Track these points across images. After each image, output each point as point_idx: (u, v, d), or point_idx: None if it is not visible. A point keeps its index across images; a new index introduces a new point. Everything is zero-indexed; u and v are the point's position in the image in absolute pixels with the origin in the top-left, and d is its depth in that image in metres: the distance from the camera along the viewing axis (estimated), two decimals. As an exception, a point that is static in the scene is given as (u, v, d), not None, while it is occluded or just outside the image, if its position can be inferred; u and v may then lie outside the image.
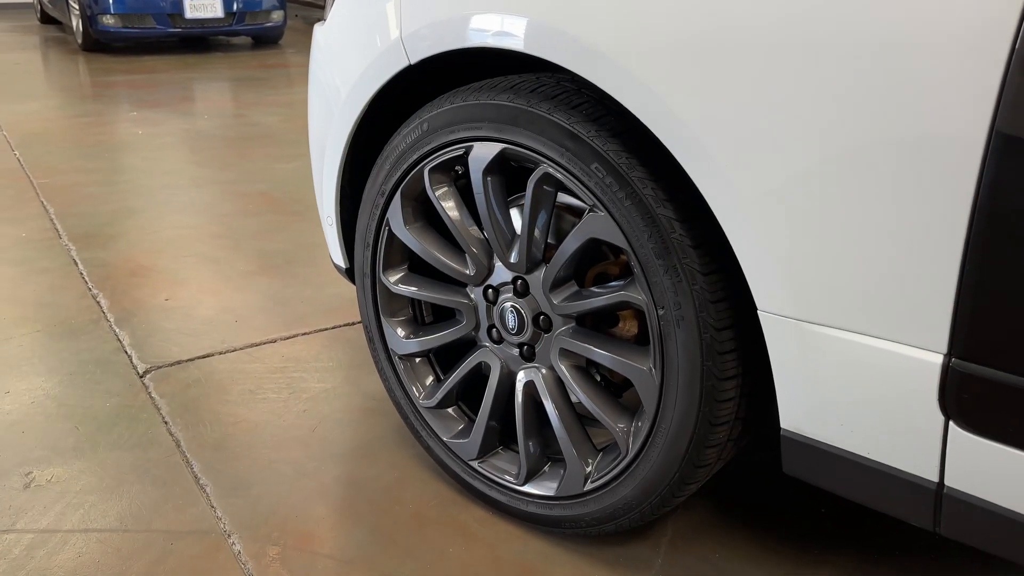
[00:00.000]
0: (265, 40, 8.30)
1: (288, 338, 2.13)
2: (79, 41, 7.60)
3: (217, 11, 7.47)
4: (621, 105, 1.09)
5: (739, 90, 0.95)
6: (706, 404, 1.13)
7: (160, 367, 1.97)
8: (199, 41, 8.28)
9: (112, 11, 7.18)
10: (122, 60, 7.09)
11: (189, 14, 7.38)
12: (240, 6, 7.62)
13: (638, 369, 1.19)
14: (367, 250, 1.49)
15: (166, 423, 1.74)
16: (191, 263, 2.62)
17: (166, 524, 1.44)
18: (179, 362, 1.99)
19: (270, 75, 6.52)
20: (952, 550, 1.37)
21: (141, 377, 1.92)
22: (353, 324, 2.20)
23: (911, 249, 0.90)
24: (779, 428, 1.10)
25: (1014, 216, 0.82)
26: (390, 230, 1.44)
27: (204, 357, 2.02)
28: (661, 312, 1.13)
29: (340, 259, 1.65)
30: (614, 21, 1.04)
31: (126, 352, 2.04)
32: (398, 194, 1.40)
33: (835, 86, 0.89)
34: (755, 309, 1.04)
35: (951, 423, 0.94)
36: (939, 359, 0.92)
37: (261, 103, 5.35)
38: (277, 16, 8.01)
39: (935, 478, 0.99)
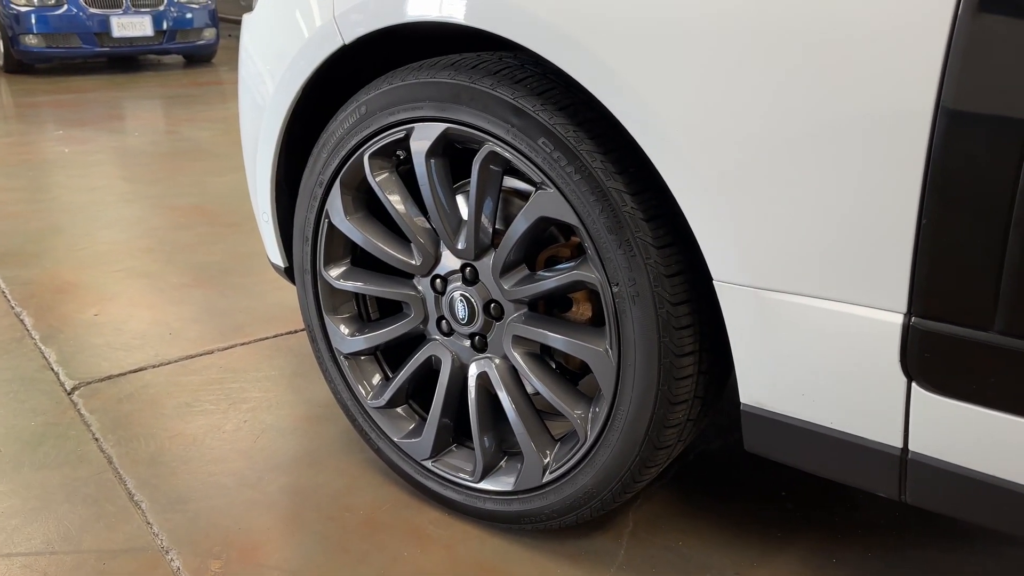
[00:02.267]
0: (197, 59, 8.13)
1: (226, 349, 2.04)
2: (0, 63, 7.32)
3: (146, 29, 7.29)
4: (567, 78, 1.06)
5: (696, 66, 0.93)
6: (664, 382, 1.10)
7: (89, 383, 1.86)
8: (128, 60, 8.07)
9: (35, 31, 6.95)
10: (47, 81, 6.85)
11: (117, 32, 7.18)
12: (170, 24, 7.45)
13: (594, 351, 1.15)
14: (306, 245, 1.43)
15: (96, 440, 1.63)
16: (121, 278, 2.50)
17: (98, 543, 1.34)
18: (110, 377, 1.88)
19: (203, 92, 6.37)
20: (915, 527, 1.36)
21: (69, 394, 1.81)
22: (295, 332, 2.12)
23: (866, 209, 0.88)
24: (739, 404, 1.08)
25: (966, 172, 0.81)
26: (330, 222, 1.38)
27: (136, 371, 1.91)
28: (616, 289, 1.09)
29: (278, 258, 1.58)
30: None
31: (52, 369, 1.92)
32: (337, 183, 1.34)
33: (790, 59, 0.87)
34: (710, 280, 1.02)
35: (914, 384, 0.92)
36: (899, 319, 0.90)
37: (194, 119, 5.21)
38: (209, 34, 7.86)
39: (899, 444, 0.97)
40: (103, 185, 3.60)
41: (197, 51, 7.92)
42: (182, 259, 2.66)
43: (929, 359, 0.90)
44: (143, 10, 7.27)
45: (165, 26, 7.42)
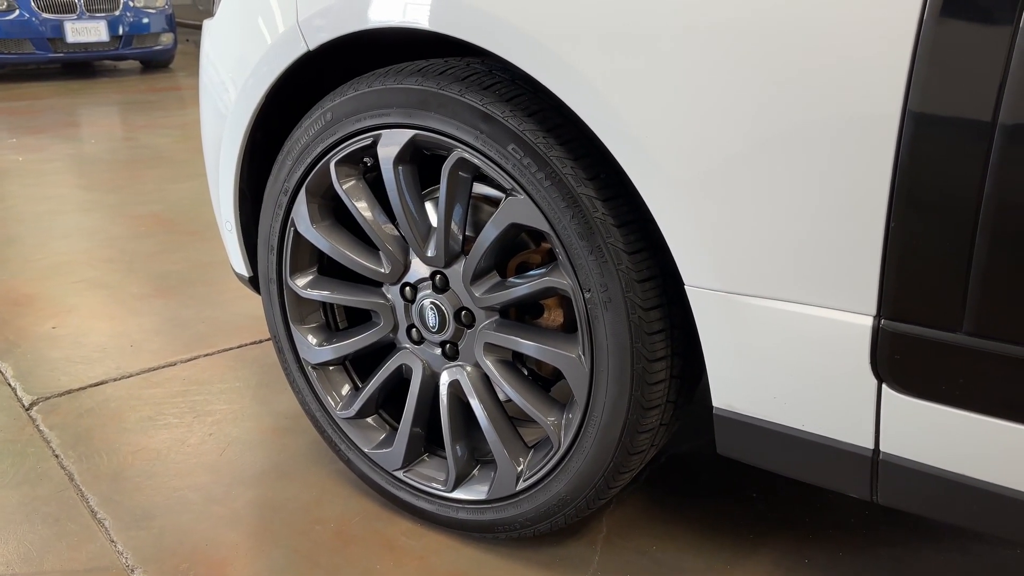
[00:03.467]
0: (155, 64, 8.00)
1: (189, 360, 2.00)
2: (-51, 69, 7.14)
3: (102, 35, 7.15)
4: (536, 83, 1.06)
5: (666, 72, 0.93)
6: (637, 387, 1.09)
7: (48, 398, 1.81)
8: (84, 66, 7.91)
9: (-15, 37, 6.78)
10: (-2, 88, 6.69)
11: (71, 38, 7.03)
12: (126, 29, 7.32)
13: (567, 357, 1.15)
14: (272, 254, 1.40)
15: (57, 456, 1.59)
16: (80, 289, 2.44)
17: (60, 564, 1.30)
18: (69, 391, 1.83)
19: (161, 98, 6.27)
20: (885, 527, 1.38)
21: (27, 409, 1.76)
22: (260, 342, 2.09)
23: (835, 213, 0.89)
24: (710, 408, 1.08)
25: (933, 175, 0.82)
26: (296, 230, 1.35)
27: (97, 385, 1.87)
28: (588, 295, 1.09)
29: (242, 267, 1.55)
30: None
31: (9, 384, 1.87)
32: (303, 191, 1.32)
33: (759, 65, 0.88)
34: (682, 285, 1.02)
35: (884, 386, 0.93)
36: (869, 321, 0.91)
37: (152, 125, 5.13)
38: (167, 39, 7.74)
39: (870, 445, 0.98)
40: (60, 194, 3.52)
41: (154, 56, 7.79)
42: (143, 269, 2.60)
43: (899, 361, 0.91)
44: (98, 15, 7.13)
45: (121, 31, 7.28)
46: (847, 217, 0.88)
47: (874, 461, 0.98)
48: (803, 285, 0.94)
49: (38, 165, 4.05)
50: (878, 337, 0.91)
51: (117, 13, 7.26)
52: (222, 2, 1.43)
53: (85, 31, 7.06)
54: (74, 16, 7.03)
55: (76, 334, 2.13)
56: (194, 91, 6.60)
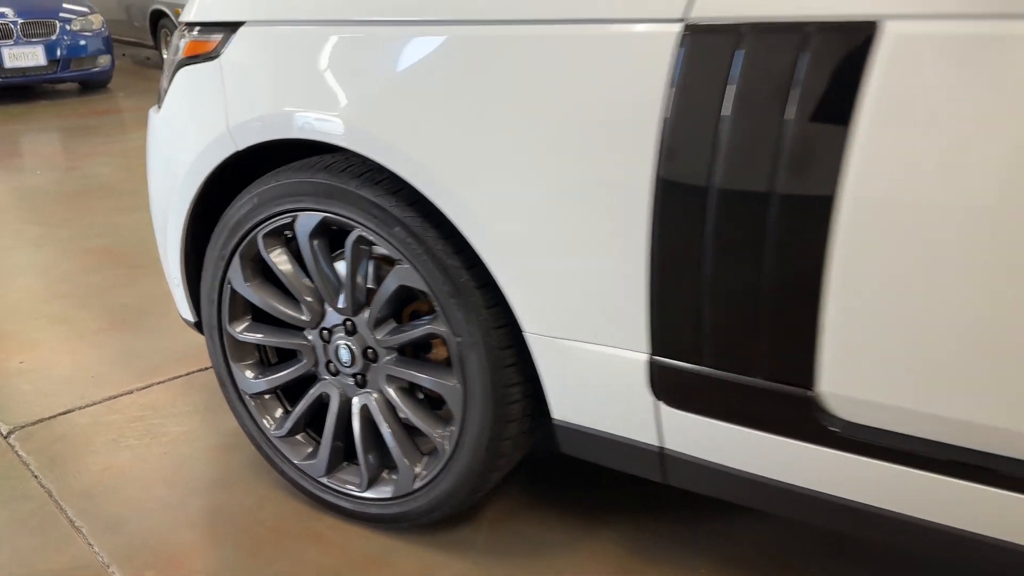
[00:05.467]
0: (93, 85, 8.12)
1: (144, 388, 2.30)
2: None
3: (39, 59, 7.28)
4: (412, 181, 1.41)
5: (483, 160, 1.29)
6: (498, 407, 1.45)
7: (24, 427, 2.10)
8: (23, 90, 7.98)
9: (-80, 63, 6.86)
10: (-64, 114, 6.77)
11: (8, 63, 7.15)
12: (64, 52, 7.45)
13: (447, 385, 1.50)
14: (212, 306, 1.73)
15: (36, 477, 1.89)
16: (42, 325, 2.71)
17: (49, 565, 1.61)
18: (42, 420, 2.13)
19: (102, 122, 6.44)
20: (708, 502, 1.75)
21: (6, 438, 2.05)
22: (206, 369, 2.39)
23: (614, 281, 1.25)
24: (552, 420, 1.44)
25: (677, 242, 1.17)
26: (232, 288, 1.68)
27: (65, 413, 2.16)
28: (458, 340, 1.44)
29: (188, 314, 1.87)
30: (395, 120, 1.35)
31: (-14, 416, 2.15)
32: (237, 256, 1.65)
33: (544, 143, 1.24)
34: (522, 332, 1.38)
35: (660, 403, 1.31)
36: (645, 357, 1.28)
37: (95, 153, 5.33)
38: (104, 60, 7.87)
39: (657, 443, 1.35)
40: (11, 230, 3.75)
41: (93, 78, 7.92)
42: (98, 303, 2.88)
43: (667, 385, 1.28)
44: (35, 40, 7.26)
45: (59, 55, 7.42)
46: (621, 280, 1.24)
47: (661, 455, 1.36)
48: (598, 331, 1.30)
49: (-13, 199, 4.25)
50: (652, 369, 1.28)
51: (54, 37, 7.39)
52: (167, 99, 1.74)
53: (23, 56, 7.19)
54: (11, 42, 7.15)
55: (43, 368, 2.41)
56: (133, 113, 6.79)
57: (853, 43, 0.99)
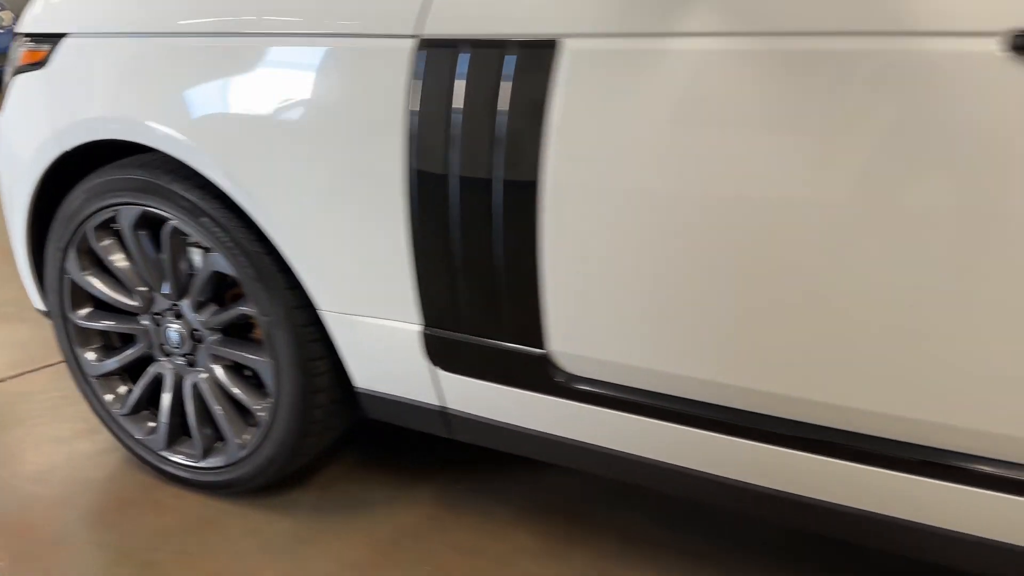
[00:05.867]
0: None
1: (17, 376, 2.41)
2: None
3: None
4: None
5: (267, 156, 1.45)
6: (306, 378, 1.62)
7: None
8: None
9: None
10: None
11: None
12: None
13: (262, 361, 1.66)
14: (55, 295, 1.85)
15: None
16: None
17: None
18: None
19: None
20: (520, 462, 1.95)
21: None
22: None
23: (385, 261, 1.42)
24: (355, 388, 1.62)
25: (430, 229, 1.34)
26: (71, 278, 1.81)
27: (-70, 404, 2.26)
28: (266, 319, 1.60)
29: (39, 304, 1.99)
30: (188, 121, 1.50)
31: None
32: (73, 248, 1.77)
33: (320, 143, 1.40)
34: (319, 309, 1.55)
35: (437, 368, 1.49)
36: (419, 328, 1.46)
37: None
38: (8, 55, 7.74)
39: (440, 403, 1.53)
40: None
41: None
42: (-26, 299, 2.96)
43: (439, 352, 1.46)
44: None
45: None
46: (390, 259, 1.41)
47: (444, 413, 1.54)
48: (381, 307, 1.48)
49: None
50: (426, 339, 1.46)
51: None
52: (6, 104, 1.85)
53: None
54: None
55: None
56: None
57: (542, 56, 1.18)
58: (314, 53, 1.37)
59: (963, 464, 1.10)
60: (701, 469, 1.32)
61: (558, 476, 1.90)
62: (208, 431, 1.81)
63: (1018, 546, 1.11)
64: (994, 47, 0.93)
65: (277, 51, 1.42)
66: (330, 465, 1.96)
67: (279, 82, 1.41)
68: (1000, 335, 1.02)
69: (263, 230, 1.51)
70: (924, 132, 0.98)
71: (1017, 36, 0.92)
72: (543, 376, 1.37)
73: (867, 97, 1.00)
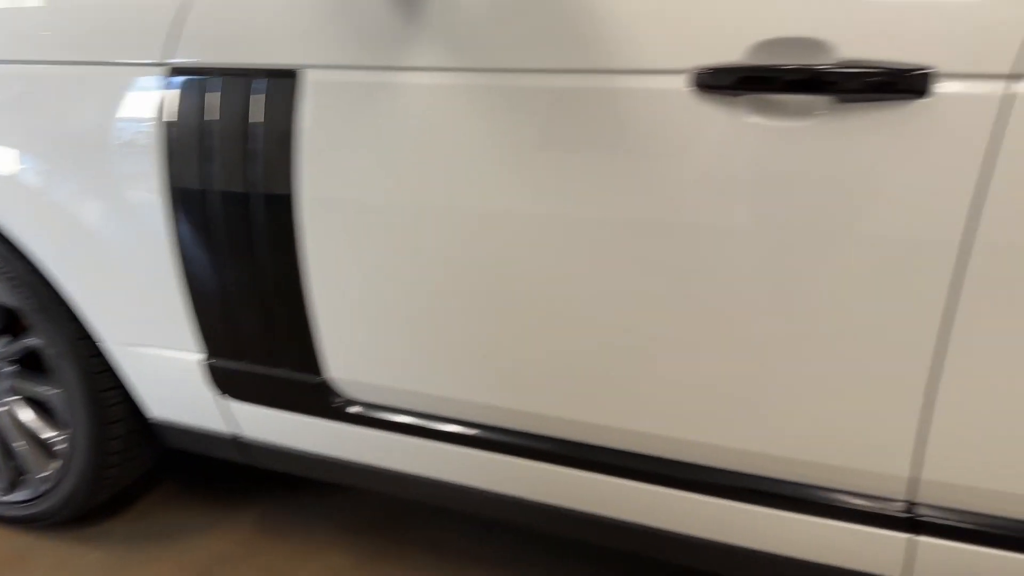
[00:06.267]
0: None
1: None
2: None
3: None
4: None
5: (23, 188, 1.40)
6: (99, 409, 1.58)
7: None
8: None
9: None
10: None
11: None
12: None
13: (55, 393, 1.61)
14: None
15: None
16: None
17: None
18: None
19: None
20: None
21: None
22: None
23: (159, 291, 1.40)
24: (149, 420, 1.59)
25: (196, 257, 1.32)
26: None
27: None
28: (52, 350, 1.55)
29: None
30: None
31: None
32: None
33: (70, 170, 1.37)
34: (100, 342, 1.51)
35: (224, 396, 1.47)
36: (202, 358, 1.44)
37: None
38: None
39: (231, 431, 1.52)
40: None
41: None
42: None
43: (224, 380, 1.45)
44: None
45: None
46: (163, 289, 1.39)
47: (237, 440, 1.53)
48: (161, 338, 1.45)
49: None
50: (211, 368, 1.44)
51: None
52: None
53: None
54: None
55: None
56: None
57: (285, 85, 1.18)
58: (71, 81, 1.33)
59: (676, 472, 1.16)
60: (475, 485, 1.35)
61: (382, 496, 1.91)
62: (13, 464, 1.75)
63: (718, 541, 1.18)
64: (681, 84, 0.97)
65: (34, 79, 1.37)
66: (150, 493, 1.92)
67: (37, 111, 1.37)
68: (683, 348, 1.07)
69: (36, 265, 1.46)
70: (627, 159, 1.02)
71: (700, 74, 0.96)
72: (323, 402, 1.37)
73: (575, 126, 1.03)
